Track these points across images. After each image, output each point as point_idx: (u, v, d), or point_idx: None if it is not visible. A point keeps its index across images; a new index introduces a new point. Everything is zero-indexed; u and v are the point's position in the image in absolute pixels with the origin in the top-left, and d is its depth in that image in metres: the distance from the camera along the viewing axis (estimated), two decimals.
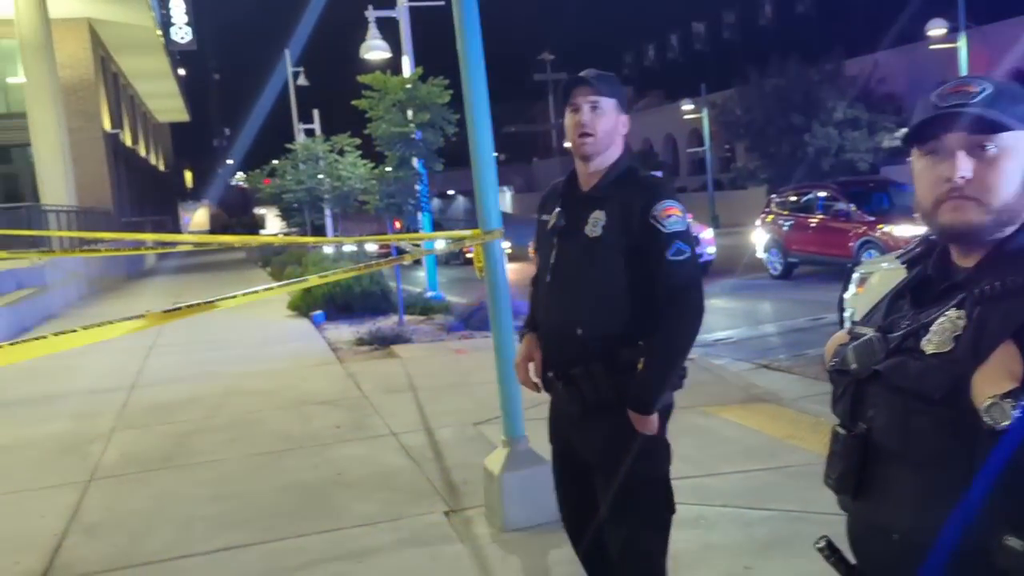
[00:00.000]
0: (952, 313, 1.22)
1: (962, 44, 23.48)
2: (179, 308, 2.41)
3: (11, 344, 1.91)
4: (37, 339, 1.91)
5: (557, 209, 2.54)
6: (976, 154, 1.24)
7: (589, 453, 2.48)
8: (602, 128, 2.40)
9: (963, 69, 23.65)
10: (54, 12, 20.38)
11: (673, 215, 2.32)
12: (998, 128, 1.22)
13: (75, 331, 1.95)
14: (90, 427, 6.37)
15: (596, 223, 2.38)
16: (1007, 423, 1.08)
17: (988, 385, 1.12)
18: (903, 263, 1.43)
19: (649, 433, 2.34)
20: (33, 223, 16.04)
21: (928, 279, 1.35)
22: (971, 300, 1.21)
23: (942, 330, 1.22)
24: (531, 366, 2.63)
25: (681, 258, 2.32)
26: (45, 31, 19.73)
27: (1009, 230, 1.25)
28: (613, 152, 2.45)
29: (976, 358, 1.16)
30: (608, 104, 2.42)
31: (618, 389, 2.35)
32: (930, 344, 1.23)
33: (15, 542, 4.12)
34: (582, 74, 2.45)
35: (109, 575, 3.70)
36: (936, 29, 24.00)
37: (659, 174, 24.76)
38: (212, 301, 2.55)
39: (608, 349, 2.36)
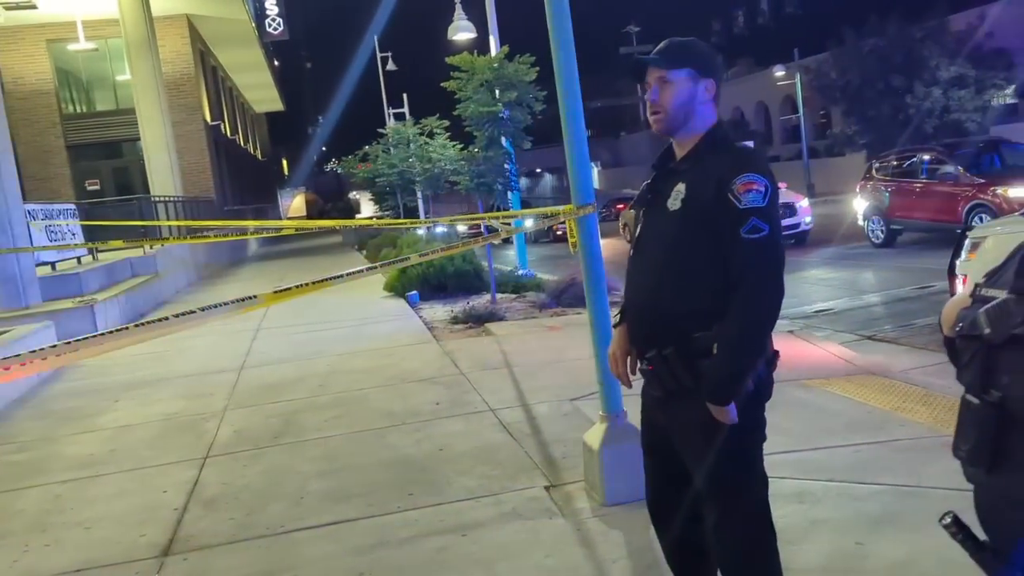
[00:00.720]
0: None
1: None
2: (288, 288, 2.51)
3: (136, 325, 2.03)
4: (159, 320, 2.02)
5: (646, 182, 2.50)
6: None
7: (674, 436, 2.43)
8: (674, 102, 2.33)
9: None
10: (156, 9, 21.22)
11: (753, 189, 2.19)
12: None
13: (193, 312, 2.06)
14: (204, 406, 6.68)
15: (677, 196, 2.31)
16: None
17: None
18: None
19: (729, 423, 2.23)
20: (144, 213, 16.83)
21: None
22: None
23: None
24: (629, 359, 2.57)
25: (756, 236, 2.17)
26: (148, 29, 20.58)
27: None
28: (698, 123, 2.36)
29: None
30: (679, 75, 2.33)
31: (694, 375, 2.27)
32: None
33: (140, 516, 4.37)
34: (645, 54, 2.40)
35: (228, 547, 3.89)
36: None
37: (750, 144, 24.27)
38: (319, 281, 2.65)
39: (683, 331, 2.27)
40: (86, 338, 2.01)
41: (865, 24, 31.47)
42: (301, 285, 2.52)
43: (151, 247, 14.78)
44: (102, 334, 2.04)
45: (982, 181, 13.20)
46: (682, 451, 2.42)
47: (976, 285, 1.36)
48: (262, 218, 38.10)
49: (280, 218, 54.50)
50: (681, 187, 2.32)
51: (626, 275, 2.56)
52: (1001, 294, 1.28)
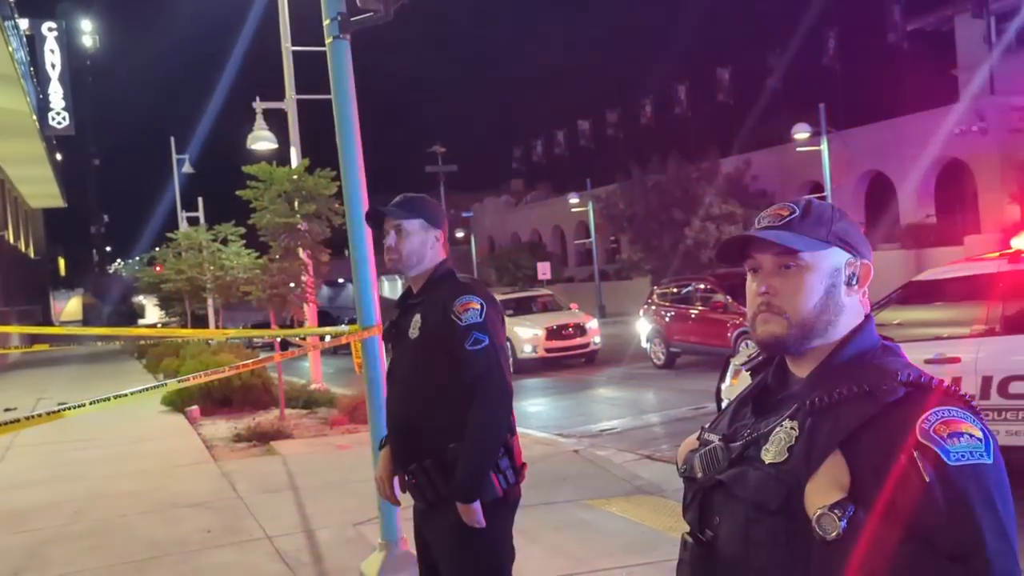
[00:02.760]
0: (787, 423, 1.26)
1: (824, 147, 25.29)
2: (17, 421, 2.24)
3: None
4: None
5: (391, 319, 2.78)
6: (781, 272, 1.32)
7: (436, 548, 2.59)
8: (407, 247, 2.63)
9: (827, 169, 25.44)
10: None
11: (471, 308, 2.49)
12: (797, 249, 1.31)
13: None
14: None
15: (415, 326, 2.60)
16: (836, 533, 1.11)
17: (818, 496, 1.16)
18: (747, 370, 1.48)
19: (476, 525, 2.40)
20: None
21: (768, 388, 1.39)
22: (803, 411, 1.25)
23: (778, 440, 1.25)
24: (396, 479, 2.72)
25: (478, 347, 2.45)
26: None
27: (818, 342, 1.32)
28: (428, 263, 2.66)
29: (808, 468, 1.19)
30: (412, 225, 2.64)
31: (449, 483, 2.45)
32: (768, 454, 1.25)
33: None
34: (382, 207, 2.71)
35: None
36: (801, 133, 25.79)
37: (545, 265, 25.21)
38: (62, 409, 2.39)
39: (439, 444, 2.47)
40: None
41: (649, 161, 34.38)
42: (34, 416, 2.27)
43: None
44: None
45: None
46: (440, 564, 2.57)
47: (702, 428, 1.45)
48: (28, 321, 34.86)
49: (52, 323, 50.11)
50: (417, 317, 2.60)
51: (386, 402, 2.68)
52: (716, 439, 1.36)
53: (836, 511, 1.12)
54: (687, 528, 1.38)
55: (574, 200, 40.91)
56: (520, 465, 2.57)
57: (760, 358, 1.45)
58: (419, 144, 71.53)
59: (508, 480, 2.49)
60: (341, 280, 68.27)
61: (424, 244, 2.65)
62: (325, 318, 27.49)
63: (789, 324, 1.31)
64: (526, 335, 16.34)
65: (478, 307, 2.51)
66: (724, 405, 6.72)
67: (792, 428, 1.25)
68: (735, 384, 6.67)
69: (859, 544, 1.10)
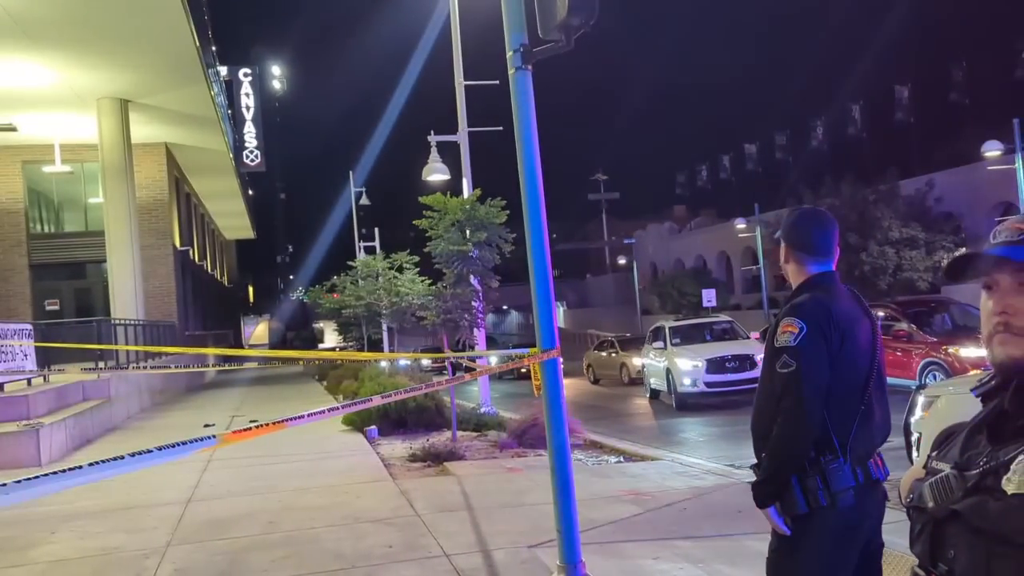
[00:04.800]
0: None
1: (1019, 165, 23.42)
2: (249, 428, 2.48)
3: (90, 464, 1.98)
4: (114, 459, 1.98)
5: None
6: (1020, 290, 1.26)
7: None
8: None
9: (1022, 189, 23.50)
10: (136, 137, 21.68)
11: (788, 331, 2.64)
12: None
13: (150, 451, 2.02)
14: (146, 541, 6.40)
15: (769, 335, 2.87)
16: None
17: None
18: (977, 395, 1.41)
19: (777, 530, 2.65)
20: (103, 336, 16.59)
21: (1005, 413, 1.32)
22: None
23: (1022, 469, 1.18)
24: None
25: (786, 371, 2.60)
26: (126, 155, 20.94)
27: None
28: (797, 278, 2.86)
29: None
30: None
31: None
32: (1011, 483, 1.19)
33: None
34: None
35: None
36: (992, 151, 24.03)
37: (710, 291, 24.73)
38: (280, 421, 2.62)
39: (762, 450, 2.76)
40: (36, 477, 1.95)
41: (821, 184, 33.03)
42: (262, 425, 2.49)
43: (105, 372, 14.47)
44: (53, 473, 1.98)
45: (935, 339, 13.55)
46: None
47: (929, 456, 1.40)
48: (223, 344, 37.68)
49: (242, 345, 53.95)
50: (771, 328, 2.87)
51: None
52: (946, 468, 1.31)
53: None
54: (915, 561, 1.33)
55: (741, 225, 39.87)
56: (843, 488, 2.61)
57: (993, 382, 1.38)
58: (582, 171, 72.11)
59: (818, 501, 2.58)
60: (505, 307, 69.63)
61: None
62: (491, 343, 28.04)
63: None
64: (685, 367, 15.81)
65: (795, 330, 2.61)
66: (914, 439, 6.34)
67: None
68: (926, 417, 6.28)
69: None
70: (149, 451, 2.03)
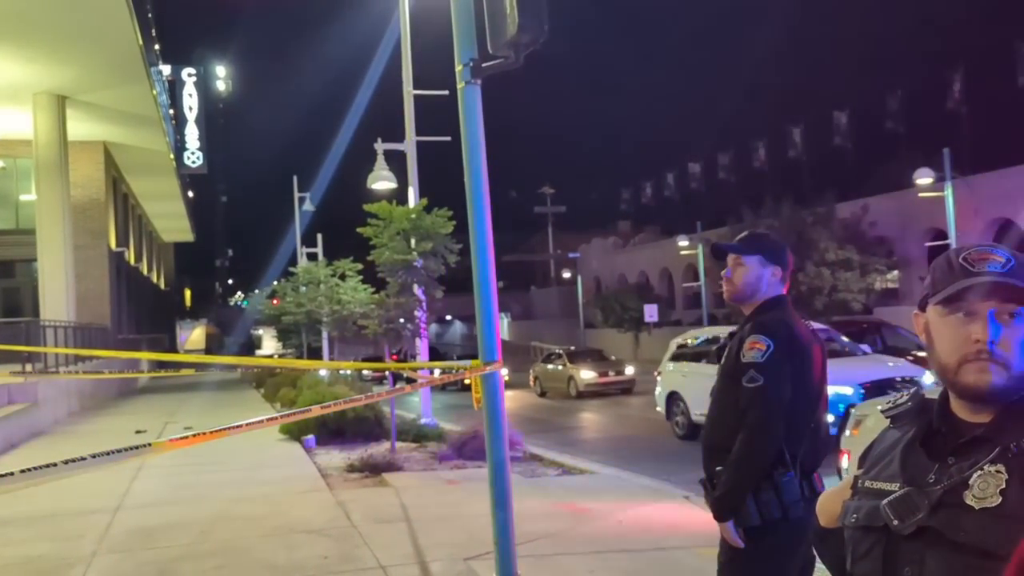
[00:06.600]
0: (990, 467, 1.23)
1: (948, 194, 24.27)
2: (186, 436, 2.43)
3: (22, 471, 1.92)
4: (47, 466, 1.92)
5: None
6: (1003, 320, 1.30)
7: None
8: (742, 280, 2.91)
9: (951, 217, 24.35)
10: (73, 134, 21.10)
11: (755, 348, 2.71)
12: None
13: (83, 458, 1.97)
14: (71, 550, 6.21)
15: (728, 351, 2.94)
16: None
17: None
18: (888, 418, 1.45)
19: (731, 542, 2.71)
20: (31, 338, 16.07)
21: (937, 432, 1.35)
22: (1007, 454, 1.22)
23: (985, 484, 1.22)
24: None
25: (752, 385, 2.67)
26: (62, 152, 20.37)
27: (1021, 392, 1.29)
28: (760, 296, 2.90)
29: None
30: (751, 260, 2.90)
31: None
32: (973, 498, 1.22)
33: None
34: (725, 243, 3.04)
35: None
36: (923, 178, 24.85)
37: (652, 306, 25.51)
38: (218, 430, 2.58)
39: (718, 463, 2.79)
40: None
41: (762, 205, 33.72)
42: (197, 433, 2.45)
43: (32, 376, 14.02)
44: None
45: None
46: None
47: (855, 477, 1.42)
48: (157, 349, 36.81)
49: (177, 349, 52.76)
50: (731, 344, 2.90)
51: None
52: (890, 486, 1.32)
53: None
54: None
55: (683, 243, 40.48)
56: (791, 501, 2.66)
57: (909, 405, 1.42)
58: (529, 184, 72.41)
59: (771, 514, 2.64)
60: (449, 317, 69.44)
61: (760, 279, 2.87)
62: (434, 354, 27.96)
63: (1009, 375, 1.28)
64: None
65: (763, 347, 2.69)
66: (849, 457, 6.49)
67: (999, 471, 1.22)
68: (855, 435, 6.45)
69: None
70: (83, 458, 1.97)
